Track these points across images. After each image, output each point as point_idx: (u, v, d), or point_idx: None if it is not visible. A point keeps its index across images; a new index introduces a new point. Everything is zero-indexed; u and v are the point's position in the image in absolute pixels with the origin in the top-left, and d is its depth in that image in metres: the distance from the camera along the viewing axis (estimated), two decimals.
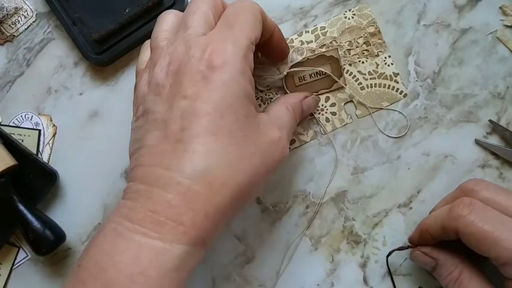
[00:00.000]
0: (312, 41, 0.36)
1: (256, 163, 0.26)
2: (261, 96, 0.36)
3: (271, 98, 0.36)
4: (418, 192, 0.35)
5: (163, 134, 0.25)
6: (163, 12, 0.30)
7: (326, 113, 0.36)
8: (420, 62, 0.36)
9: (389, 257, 0.34)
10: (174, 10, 0.31)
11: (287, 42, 0.35)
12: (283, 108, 0.31)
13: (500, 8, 0.35)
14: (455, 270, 0.29)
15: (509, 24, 0.35)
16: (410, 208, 0.35)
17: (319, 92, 0.36)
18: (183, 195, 0.24)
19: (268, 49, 0.32)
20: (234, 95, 0.25)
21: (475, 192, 0.29)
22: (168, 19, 0.30)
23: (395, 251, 0.33)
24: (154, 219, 0.23)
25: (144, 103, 0.27)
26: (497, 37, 0.35)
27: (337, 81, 0.35)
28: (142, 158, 0.26)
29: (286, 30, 0.36)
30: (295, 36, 0.36)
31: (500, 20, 0.35)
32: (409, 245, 0.32)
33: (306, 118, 0.36)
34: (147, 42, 0.31)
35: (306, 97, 0.33)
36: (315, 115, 0.36)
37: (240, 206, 0.26)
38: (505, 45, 0.35)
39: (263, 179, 0.27)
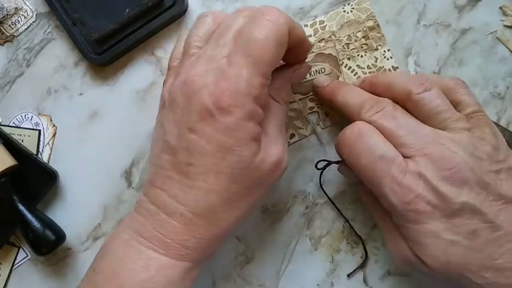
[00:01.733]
0: (310, 35, 0.36)
1: (256, 194, 0.28)
2: None
3: None
4: None
5: (173, 161, 0.26)
6: (204, 14, 0.30)
7: (325, 106, 0.36)
8: (420, 62, 0.36)
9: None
10: (215, 12, 0.30)
11: None
12: (277, 109, 0.30)
13: (500, 8, 0.35)
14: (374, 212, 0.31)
15: (509, 25, 0.35)
16: None
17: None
18: (186, 225, 0.26)
19: (290, 54, 0.29)
20: (238, 138, 0.26)
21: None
22: (205, 23, 0.29)
23: (321, 161, 0.32)
24: (162, 240, 0.26)
25: (162, 115, 0.28)
26: (497, 37, 0.35)
27: (336, 79, 0.35)
28: (155, 177, 0.27)
29: None
30: None
31: (501, 20, 0.35)
32: (339, 159, 0.31)
33: (305, 113, 0.36)
34: (185, 34, 0.30)
35: (295, 71, 0.31)
36: (314, 109, 0.36)
37: (239, 224, 0.29)
38: (505, 45, 0.35)
39: (263, 198, 0.29)
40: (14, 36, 0.38)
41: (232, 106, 0.25)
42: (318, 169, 0.33)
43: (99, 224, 0.37)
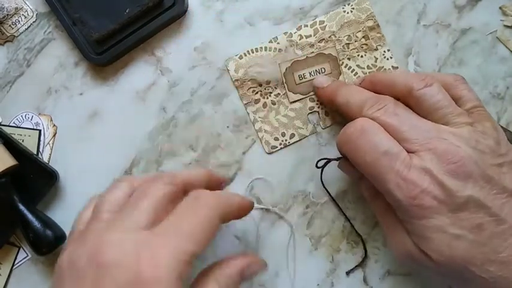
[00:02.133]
0: (310, 35, 0.36)
1: None
2: (260, 91, 0.36)
3: (271, 93, 0.36)
4: None
5: None
6: (118, 179, 0.28)
7: (325, 106, 0.36)
8: (420, 62, 0.36)
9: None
10: (130, 178, 0.28)
11: (286, 36, 0.36)
12: None
13: (500, 8, 0.35)
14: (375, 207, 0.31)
15: (509, 25, 0.35)
16: None
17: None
18: None
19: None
20: None
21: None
22: (119, 188, 0.27)
23: (321, 160, 0.33)
24: None
25: (59, 286, 0.24)
26: (497, 37, 0.35)
27: (337, 79, 0.35)
28: None
29: (288, 30, 0.36)
30: (294, 30, 0.36)
31: (501, 20, 0.35)
32: (339, 156, 0.32)
33: (305, 113, 0.36)
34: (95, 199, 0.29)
35: (244, 268, 0.27)
36: (314, 109, 0.36)
37: None
38: (505, 45, 0.35)
39: None
40: (14, 36, 0.38)
41: (155, 281, 0.22)
42: (318, 167, 0.33)
43: None
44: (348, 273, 0.35)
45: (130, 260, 0.23)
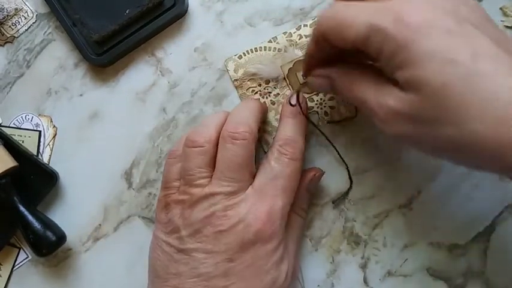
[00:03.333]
0: (310, 35, 0.36)
1: None
2: (260, 91, 0.36)
3: (270, 93, 0.36)
4: (418, 193, 0.35)
5: (205, 286, 0.28)
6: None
7: (325, 106, 0.36)
8: None
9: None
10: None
11: (285, 36, 0.36)
12: (298, 224, 0.33)
13: (501, 8, 0.35)
14: (348, 77, 0.28)
15: (510, 25, 0.35)
16: (411, 209, 0.35)
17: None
18: None
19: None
20: (274, 261, 0.29)
21: None
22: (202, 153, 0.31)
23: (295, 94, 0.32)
24: None
25: (182, 242, 0.29)
26: None
27: None
28: None
29: (287, 30, 0.36)
30: (294, 30, 0.36)
31: (501, 21, 0.35)
32: (303, 80, 0.31)
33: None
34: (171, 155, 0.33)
35: (310, 181, 0.34)
36: (314, 109, 0.36)
37: None
38: None
39: None
40: (14, 37, 0.38)
41: (273, 234, 0.28)
42: (293, 105, 0.32)
43: (100, 224, 0.37)
44: (333, 202, 0.35)
45: (251, 221, 0.29)
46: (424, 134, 0.25)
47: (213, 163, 0.30)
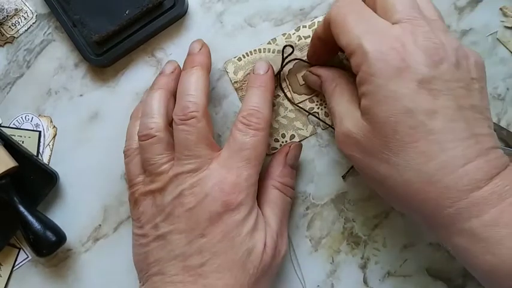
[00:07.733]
0: (309, 36, 0.36)
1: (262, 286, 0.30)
2: None
3: None
4: None
5: (184, 266, 0.28)
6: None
7: (325, 107, 0.36)
8: None
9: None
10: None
11: (285, 37, 0.36)
12: (283, 201, 0.33)
13: (501, 9, 0.35)
14: (333, 83, 0.31)
15: (510, 26, 0.35)
16: None
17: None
18: None
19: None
20: (247, 231, 0.29)
21: None
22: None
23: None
24: None
25: (157, 228, 0.29)
26: (497, 38, 0.35)
27: None
28: (164, 285, 0.28)
29: (287, 31, 0.36)
30: (293, 31, 0.36)
31: (501, 21, 0.35)
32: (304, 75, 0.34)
33: (305, 114, 0.36)
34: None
35: (287, 154, 0.34)
36: (314, 110, 0.36)
37: None
38: (505, 46, 0.35)
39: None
40: (14, 37, 0.38)
41: (240, 204, 0.28)
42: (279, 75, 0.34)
43: (100, 225, 0.37)
44: (343, 177, 0.35)
45: (216, 194, 0.29)
46: (366, 164, 0.27)
47: (171, 147, 0.31)
